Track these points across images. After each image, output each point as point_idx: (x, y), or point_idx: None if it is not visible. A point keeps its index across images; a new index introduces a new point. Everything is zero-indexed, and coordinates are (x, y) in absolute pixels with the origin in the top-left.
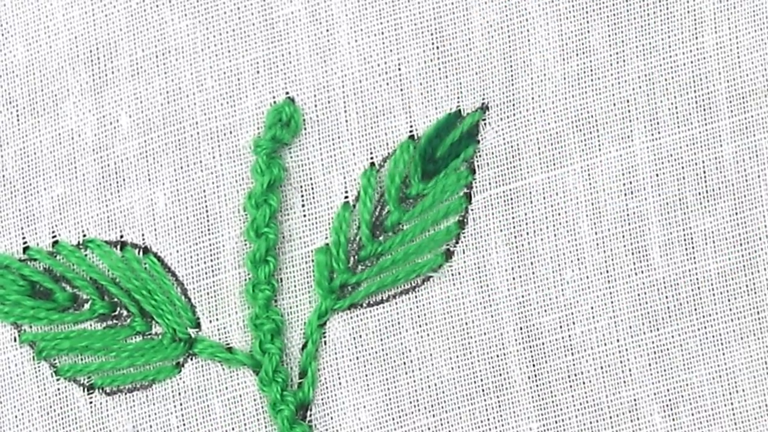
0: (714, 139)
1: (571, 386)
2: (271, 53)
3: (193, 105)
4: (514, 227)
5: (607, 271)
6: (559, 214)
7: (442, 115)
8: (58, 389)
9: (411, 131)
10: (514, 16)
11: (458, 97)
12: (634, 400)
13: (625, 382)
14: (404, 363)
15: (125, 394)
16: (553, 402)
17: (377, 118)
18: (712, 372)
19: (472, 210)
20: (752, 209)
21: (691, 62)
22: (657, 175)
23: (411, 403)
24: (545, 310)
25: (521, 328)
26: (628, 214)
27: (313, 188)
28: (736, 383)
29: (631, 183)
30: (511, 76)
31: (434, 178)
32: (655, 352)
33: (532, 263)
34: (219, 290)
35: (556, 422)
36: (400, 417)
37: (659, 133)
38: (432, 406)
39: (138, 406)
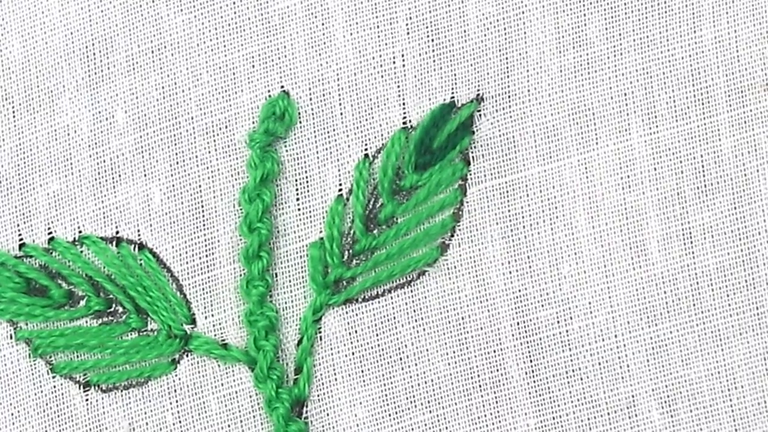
0: (712, 133)
1: (568, 382)
2: (266, 47)
3: (188, 100)
4: (510, 220)
5: (605, 266)
6: (556, 208)
7: (436, 106)
8: (54, 387)
9: (405, 123)
10: (510, 8)
11: (453, 89)
12: (632, 395)
13: (623, 377)
14: (400, 358)
15: (121, 391)
16: (550, 397)
17: (372, 111)
18: (710, 368)
19: (467, 203)
20: (751, 204)
21: (690, 56)
22: (655, 169)
23: (407, 398)
24: (542, 305)
25: (518, 323)
26: (626, 208)
27: (307, 182)
28: (735, 379)
29: (628, 177)
30: (507, 67)
31: (428, 169)
32: (653, 348)
33: (528, 257)
34: (214, 286)
35: (553, 418)
36: (396, 413)
37: (657, 126)
38: (428, 401)
39: (134, 403)
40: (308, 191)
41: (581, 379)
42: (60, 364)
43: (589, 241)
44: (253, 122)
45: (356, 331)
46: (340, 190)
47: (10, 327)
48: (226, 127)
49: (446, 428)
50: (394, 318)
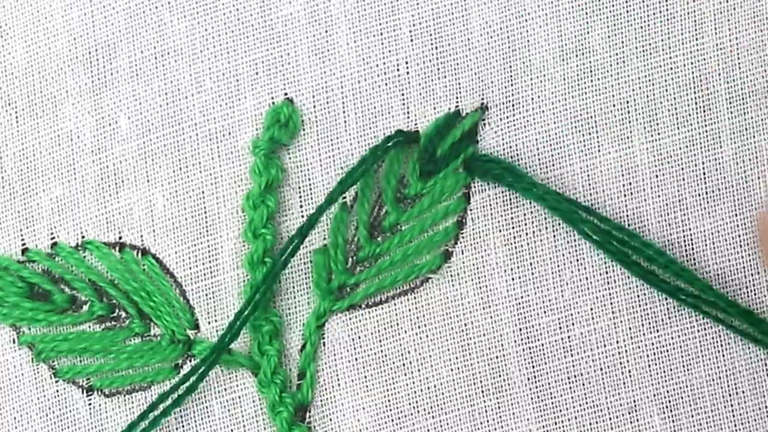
0: (714, 141)
1: (570, 388)
2: (270, 54)
3: (191, 106)
4: (513, 228)
5: (606, 272)
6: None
7: (441, 115)
8: (57, 391)
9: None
10: (514, 16)
11: (457, 98)
12: (634, 401)
13: (624, 383)
14: (403, 364)
15: (124, 395)
16: (552, 403)
17: (376, 119)
18: (711, 373)
19: (470, 210)
20: (752, 210)
21: (691, 63)
22: (656, 176)
23: (410, 404)
24: (544, 311)
25: (520, 329)
26: (627, 215)
27: (311, 189)
28: (736, 385)
29: (630, 184)
30: (511, 76)
31: (432, 177)
32: (654, 354)
33: (531, 264)
34: (217, 291)
35: (555, 424)
36: (399, 418)
37: (659, 134)
38: (431, 407)
39: (137, 407)
40: (312, 198)
41: (583, 385)
42: (63, 369)
43: (591, 248)
44: (257, 129)
45: (359, 337)
46: (345, 197)
47: (13, 332)
48: (230, 133)
49: None
50: (398, 324)
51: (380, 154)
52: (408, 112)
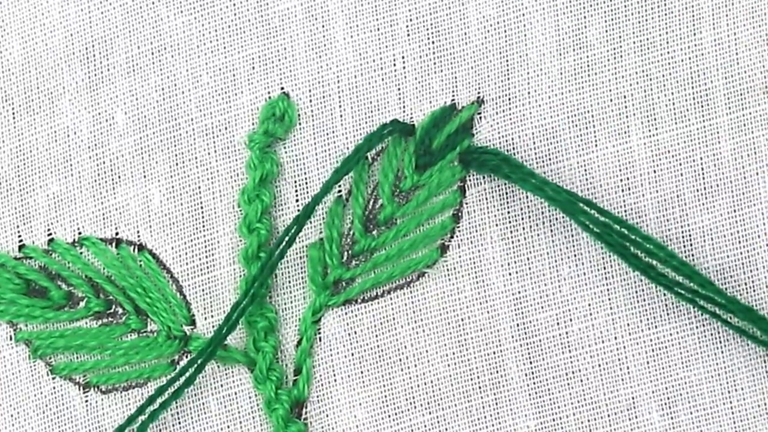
0: (712, 136)
1: (568, 384)
2: (266, 49)
3: (188, 101)
4: (509, 222)
5: (605, 268)
6: (556, 209)
7: (437, 108)
8: (54, 388)
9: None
10: (511, 10)
11: (453, 92)
12: (632, 397)
13: (622, 379)
14: (400, 359)
15: (120, 392)
16: (550, 399)
17: (372, 113)
18: (710, 370)
19: (466, 204)
20: (750, 206)
21: (689, 58)
22: (654, 171)
23: (407, 400)
24: (542, 307)
25: (518, 325)
26: (625, 211)
27: (306, 183)
28: (735, 381)
29: (628, 179)
30: (507, 70)
31: (428, 170)
32: (653, 350)
33: (528, 259)
34: (214, 287)
35: (553, 420)
36: (395, 414)
37: (656, 129)
38: (428, 403)
39: (133, 404)
40: (307, 192)
41: (581, 381)
42: (59, 365)
43: (589, 243)
44: (253, 124)
45: (356, 332)
46: (340, 191)
47: (10, 328)
48: (226, 128)
49: (446, 430)
50: (394, 319)
51: (375, 142)
52: (404, 107)
